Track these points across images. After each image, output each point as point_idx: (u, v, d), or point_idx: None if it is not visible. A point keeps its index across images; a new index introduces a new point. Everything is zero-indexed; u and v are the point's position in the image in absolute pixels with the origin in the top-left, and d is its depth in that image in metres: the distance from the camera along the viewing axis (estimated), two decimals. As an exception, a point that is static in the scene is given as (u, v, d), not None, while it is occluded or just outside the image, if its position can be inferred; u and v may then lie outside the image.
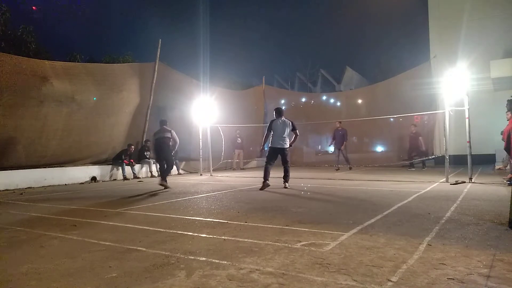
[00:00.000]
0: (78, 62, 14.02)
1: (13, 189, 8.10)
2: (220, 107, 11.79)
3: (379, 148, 15.94)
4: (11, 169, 8.43)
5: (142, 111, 11.38)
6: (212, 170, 11.59)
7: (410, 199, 5.31)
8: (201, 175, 11.31)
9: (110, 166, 10.53)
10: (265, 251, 2.80)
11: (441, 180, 7.78)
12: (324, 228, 3.50)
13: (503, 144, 7.17)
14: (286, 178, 7.22)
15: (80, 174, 9.67)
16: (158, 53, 11.42)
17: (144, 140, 11.52)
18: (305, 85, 44.93)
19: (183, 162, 12.42)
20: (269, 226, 3.70)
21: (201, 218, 4.22)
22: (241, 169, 14.23)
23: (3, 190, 7.93)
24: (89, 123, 9.91)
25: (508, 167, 8.73)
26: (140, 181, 9.89)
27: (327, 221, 3.87)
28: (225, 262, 2.55)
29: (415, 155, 11.87)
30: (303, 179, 8.99)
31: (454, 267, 2.34)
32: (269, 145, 7.30)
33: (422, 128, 13.62)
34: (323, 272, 2.30)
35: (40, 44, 15.27)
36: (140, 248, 2.98)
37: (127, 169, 10.59)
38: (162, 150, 7.68)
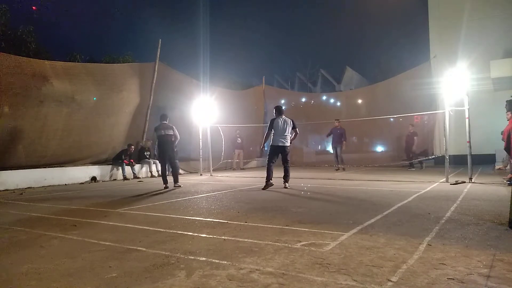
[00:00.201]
0: (78, 62, 14.03)
1: (13, 189, 8.10)
2: (220, 107, 11.79)
3: (379, 148, 15.95)
4: (11, 169, 8.43)
5: (142, 111, 11.38)
6: (212, 170, 11.59)
7: (410, 199, 5.31)
8: (201, 175, 11.31)
9: (110, 166, 10.53)
10: (265, 251, 2.80)
11: (441, 180, 7.78)
12: (324, 228, 3.50)
13: (503, 144, 7.17)
14: (286, 178, 7.22)
15: (80, 174, 9.67)
16: (158, 53, 11.42)
17: (144, 140, 11.53)
18: (305, 85, 44.94)
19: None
20: (269, 226, 3.70)
21: (201, 218, 4.22)
22: (241, 169, 14.24)
23: (3, 190, 7.93)
24: (89, 123, 9.91)
25: (508, 167, 8.73)
26: (140, 181, 9.89)
27: (327, 221, 3.87)
28: (225, 262, 2.55)
29: (413, 155, 11.85)
30: (303, 179, 8.99)
31: (454, 267, 2.34)
32: (270, 143, 7.31)
33: (422, 128, 13.62)
34: (323, 272, 2.30)
35: (40, 44, 15.30)
36: (140, 248, 2.98)
37: (127, 169, 10.59)
38: (166, 149, 7.74)
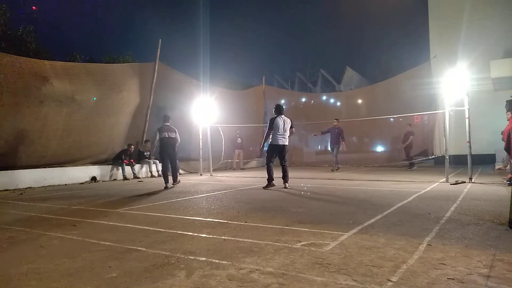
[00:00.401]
0: (78, 62, 14.03)
1: (13, 189, 8.10)
2: (220, 107, 11.79)
3: (379, 148, 15.95)
4: (11, 169, 8.43)
5: (142, 111, 11.38)
6: (212, 170, 11.59)
7: (410, 199, 5.31)
8: (201, 175, 11.31)
9: (110, 166, 10.53)
10: (265, 251, 2.80)
11: (441, 180, 7.78)
12: (324, 228, 3.50)
13: (503, 144, 7.17)
14: (285, 178, 7.23)
15: (80, 174, 9.67)
16: (158, 53, 11.42)
17: (144, 140, 11.53)
18: (305, 85, 44.96)
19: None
20: (269, 226, 3.70)
21: (201, 218, 4.22)
22: (241, 169, 14.24)
23: (3, 190, 7.93)
24: (89, 123, 9.91)
25: (508, 167, 8.73)
26: (140, 181, 9.89)
27: (327, 221, 3.87)
28: (225, 262, 2.55)
29: (413, 155, 11.81)
30: (303, 179, 8.99)
31: (454, 267, 2.34)
32: (270, 142, 7.32)
33: (422, 128, 13.62)
34: (323, 272, 2.30)
35: (40, 44, 15.29)
36: (140, 248, 2.98)
37: (127, 169, 10.59)
38: (167, 149, 7.83)
